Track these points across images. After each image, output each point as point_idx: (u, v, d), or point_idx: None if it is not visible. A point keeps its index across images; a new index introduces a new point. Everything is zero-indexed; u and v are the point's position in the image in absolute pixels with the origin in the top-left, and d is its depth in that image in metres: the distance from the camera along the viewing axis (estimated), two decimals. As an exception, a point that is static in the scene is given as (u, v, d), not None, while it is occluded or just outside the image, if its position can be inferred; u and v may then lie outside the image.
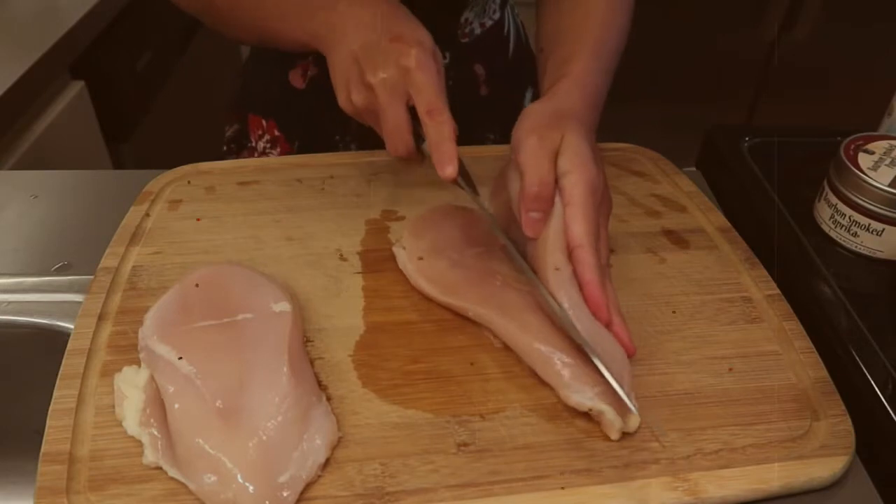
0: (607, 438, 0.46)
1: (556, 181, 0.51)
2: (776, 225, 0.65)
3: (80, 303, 0.54)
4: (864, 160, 0.60)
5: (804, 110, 1.87)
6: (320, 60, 0.74)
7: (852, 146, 0.61)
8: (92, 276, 0.56)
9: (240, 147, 0.86)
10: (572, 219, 0.50)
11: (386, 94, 0.53)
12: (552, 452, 0.45)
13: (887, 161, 0.60)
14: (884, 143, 0.62)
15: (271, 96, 0.80)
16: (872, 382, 0.50)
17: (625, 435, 0.46)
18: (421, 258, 0.57)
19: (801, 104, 1.86)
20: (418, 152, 0.57)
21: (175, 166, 0.68)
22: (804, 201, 0.66)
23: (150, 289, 0.55)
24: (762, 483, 0.44)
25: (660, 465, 0.44)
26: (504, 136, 0.68)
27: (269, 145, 0.82)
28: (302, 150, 0.81)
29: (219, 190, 0.65)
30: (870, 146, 0.61)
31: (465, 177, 0.55)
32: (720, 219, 0.64)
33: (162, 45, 1.43)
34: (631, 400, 0.44)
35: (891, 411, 0.48)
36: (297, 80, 0.78)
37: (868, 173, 0.59)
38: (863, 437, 0.47)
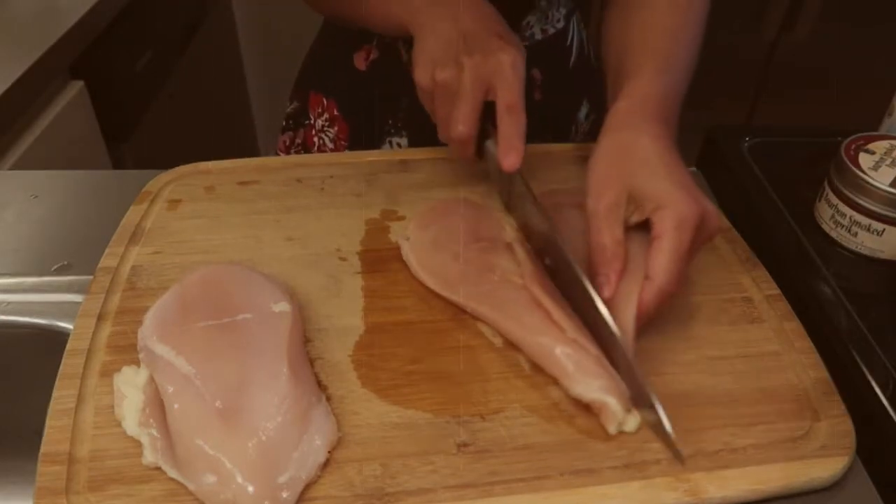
0: (608, 439, 0.46)
1: (642, 222, 0.51)
2: (776, 225, 0.65)
3: (79, 303, 0.54)
4: (864, 160, 0.60)
5: (804, 110, 1.87)
6: (383, 45, 0.76)
7: (853, 146, 0.61)
8: (91, 276, 0.56)
9: (297, 124, 0.88)
10: (657, 251, 0.49)
11: (474, 77, 0.54)
12: (552, 453, 0.45)
13: (888, 161, 0.60)
14: (884, 143, 0.62)
15: (334, 76, 0.82)
16: (872, 382, 0.50)
17: (624, 434, 0.46)
18: (424, 250, 0.57)
19: (801, 104, 1.86)
20: (476, 147, 0.58)
21: (175, 166, 0.68)
22: (804, 201, 0.66)
23: (150, 289, 0.55)
24: (763, 483, 0.44)
25: (660, 465, 0.44)
26: (553, 143, 0.72)
27: (327, 123, 0.84)
28: (356, 131, 0.82)
29: (218, 190, 0.65)
30: (870, 146, 0.61)
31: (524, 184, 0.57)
32: (720, 219, 0.64)
33: (162, 45, 1.43)
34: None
35: (891, 411, 0.48)
36: (360, 62, 0.79)
37: (869, 173, 0.58)
38: (863, 437, 0.46)
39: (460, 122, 0.55)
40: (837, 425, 0.47)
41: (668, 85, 0.58)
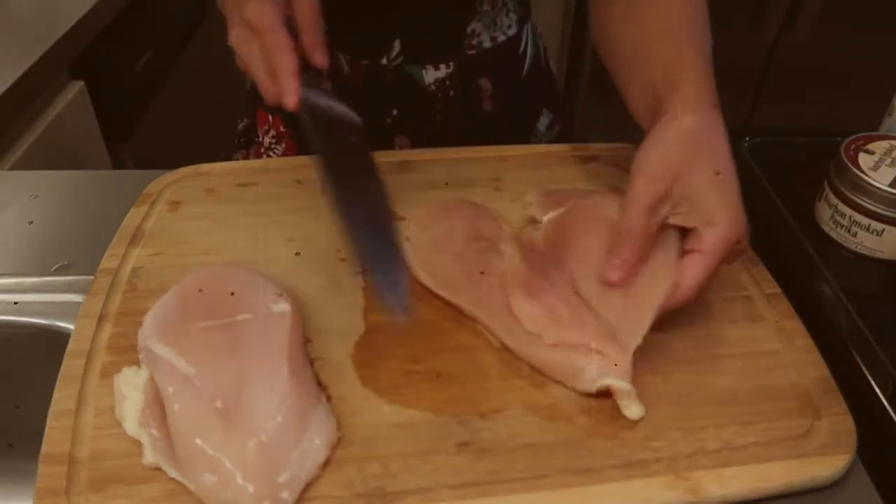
0: (608, 438, 0.46)
1: (683, 228, 0.51)
2: (776, 225, 0.65)
3: (79, 303, 0.54)
4: (864, 160, 0.60)
5: (804, 110, 1.87)
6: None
7: (852, 146, 0.61)
8: (92, 277, 0.56)
9: (249, 142, 0.87)
10: (694, 264, 0.49)
11: (242, 50, 0.54)
12: (553, 452, 0.45)
13: (888, 161, 0.60)
14: (884, 144, 0.62)
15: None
16: (872, 382, 0.50)
17: (624, 433, 0.46)
18: (424, 250, 0.57)
19: (801, 104, 1.86)
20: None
21: (175, 166, 0.68)
22: (804, 201, 0.66)
23: (150, 290, 0.55)
24: (763, 482, 0.44)
25: (661, 464, 0.44)
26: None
27: (274, 140, 0.82)
28: (303, 148, 0.80)
29: (218, 191, 0.65)
30: (870, 146, 0.61)
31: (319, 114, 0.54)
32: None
33: (162, 45, 1.43)
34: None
35: (891, 411, 0.48)
36: None
37: (868, 173, 0.59)
38: (863, 436, 0.46)
39: (263, 89, 0.53)
40: (838, 423, 0.47)
41: (710, 68, 0.56)
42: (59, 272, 0.60)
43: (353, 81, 0.75)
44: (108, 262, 0.57)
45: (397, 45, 0.73)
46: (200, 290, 0.51)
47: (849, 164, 0.60)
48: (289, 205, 0.64)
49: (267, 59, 0.52)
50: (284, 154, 0.82)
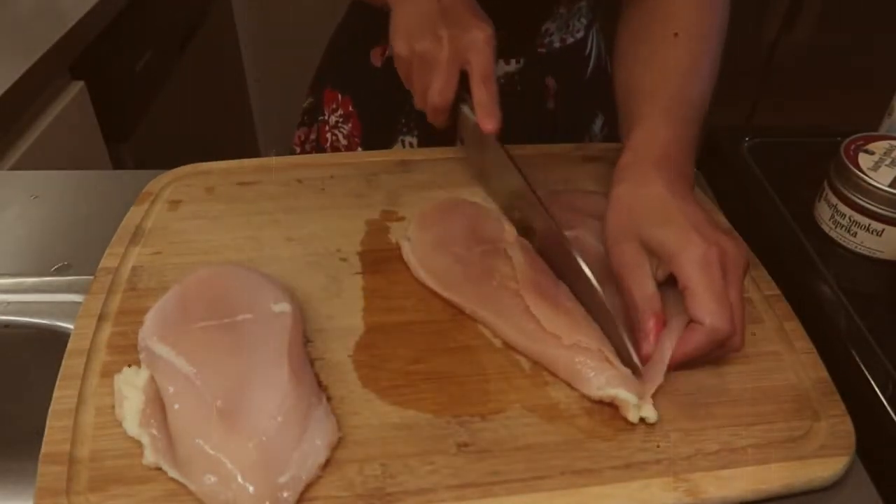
0: (608, 439, 0.46)
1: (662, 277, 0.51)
2: (776, 225, 0.65)
3: (79, 303, 0.54)
4: (864, 160, 0.60)
5: (804, 110, 1.87)
6: None
7: (852, 146, 0.61)
8: (92, 277, 0.56)
9: (312, 120, 0.88)
10: (691, 298, 0.47)
11: (451, 49, 0.56)
12: (552, 453, 0.45)
13: (887, 161, 0.60)
14: (884, 144, 0.62)
15: (350, 73, 0.82)
16: (872, 382, 0.50)
17: (624, 434, 0.46)
18: (425, 250, 0.57)
19: (801, 104, 1.86)
20: (453, 114, 0.59)
21: (175, 166, 0.68)
22: (804, 201, 0.66)
23: (150, 289, 0.55)
24: (763, 483, 0.44)
25: (660, 465, 0.44)
26: None
27: (341, 120, 0.84)
28: (369, 129, 0.83)
29: (219, 190, 0.65)
30: (870, 146, 0.61)
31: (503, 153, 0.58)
32: (720, 219, 0.64)
33: (162, 45, 1.43)
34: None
35: (891, 411, 0.48)
36: (376, 58, 0.80)
37: (868, 173, 0.59)
38: (863, 437, 0.47)
39: (437, 93, 0.57)
40: (837, 425, 0.47)
41: (678, 129, 0.56)
42: (59, 272, 0.60)
43: None
44: (108, 261, 0.57)
45: None
46: (201, 290, 0.51)
47: (849, 164, 0.60)
48: (289, 204, 0.64)
49: (476, 84, 0.56)
50: (350, 134, 0.84)
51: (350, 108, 0.83)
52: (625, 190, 0.54)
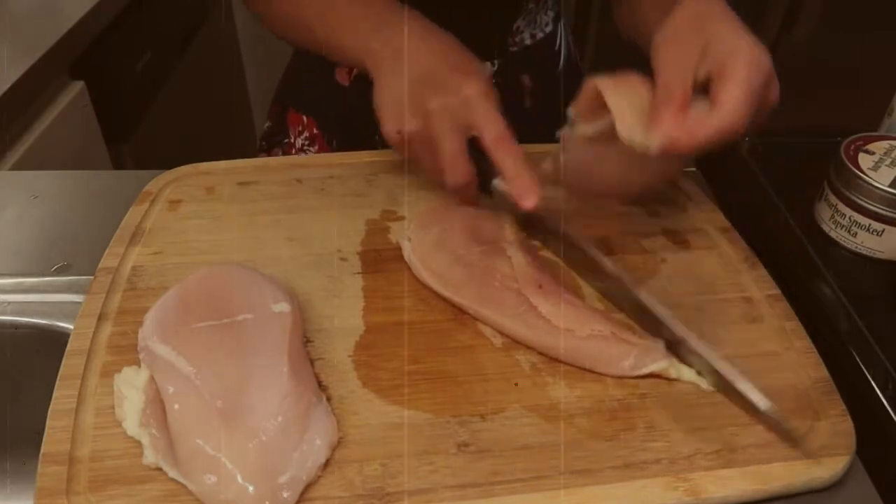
0: (607, 439, 0.46)
1: (709, 77, 0.48)
2: (776, 225, 0.65)
3: (79, 303, 0.54)
4: (864, 160, 0.60)
5: (804, 110, 1.87)
6: None
7: (852, 146, 0.61)
8: (92, 277, 0.56)
9: (273, 144, 0.85)
10: (724, 80, 0.46)
11: (445, 122, 0.52)
12: (552, 452, 0.45)
13: (887, 161, 0.60)
14: (884, 144, 0.62)
15: (315, 93, 0.80)
16: (872, 382, 0.50)
17: (624, 434, 0.46)
18: (426, 250, 0.57)
19: (801, 104, 1.86)
20: (479, 189, 0.56)
21: (175, 166, 0.68)
22: (804, 201, 0.66)
23: (150, 289, 0.55)
24: (763, 483, 0.44)
25: (660, 465, 0.44)
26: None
27: (307, 142, 0.82)
28: (341, 149, 0.80)
29: (219, 190, 0.65)
30: (870, 146, 0.61)
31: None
32: (720, 219, 0.64)
33: (162, 45, 1.43)
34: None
35: (891, 411, 0.48)
36: (342, 77, 0.78)
37: (868, 174, 0.59)
38: (863, 437, 0.46)
39: (450, 172, 0.53)
40: (838, 425, 0.47)
41: None
42: (59, 272, 0.60)
43: None
44: (107, 261, 0.57)
45: None
46: (201, 290, 0.51)
47: (849, 164, 0.60)
48: (289, 204, 0.64)
49: (493, 151, 0.52)
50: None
51: (315, 131, 0.81)
52: (695, 7, 0.52)
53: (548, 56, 0.80)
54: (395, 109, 0.55)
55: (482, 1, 0.71)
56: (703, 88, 0.49)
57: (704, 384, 0.49)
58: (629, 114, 0.49)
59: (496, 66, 0.76)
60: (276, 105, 0.85)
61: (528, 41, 0.77)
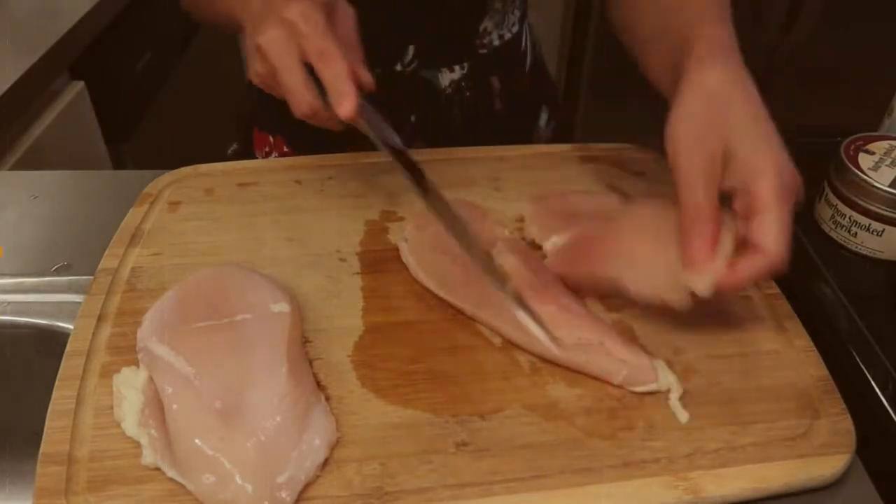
0: (607, 438, 0.46)
1: (732, 191, 0.47)
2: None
3: (79, 303, 0.54)
4: (864, 160, 0.60)
5: (804, 110, 1.87)
6: None
7: (852, 146, 0.61)
8: (91, 277, 0.56)
9: None
10: (768, 223, 0.45)
11: (275, 53, 0.51)
12: (552, 452, 0.45)
13: (888, 161, 0.60)
14: (884, 144, 0.62)
15: (280, 111, 0.78)
16: (872, 382, 0.50)
17: (624, 433, 0.46)
18: (423, 251, 0.57)
19: (801, 104, 1.86)
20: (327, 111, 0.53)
21: (175, 167, 0.68)
22: (804, 201, 0.66)
23: (150, 290, 0.55)
24: (762, 482, 0.44)
25: (660, 464, 0.44)
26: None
27: None
28: None
29: (218, 191, 0.65)
30: (870, 146, 0.61)
31: (374, 125, 0.53)
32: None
33: (162, 45, 1.43)
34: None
35: (891, 411, 0.48)
36: None
37: (868, 174, 0.58)
38: (863, 436, 0.46)
39: (294, 105, 0.52)
40: (837, 423, 0.47)
41: (731, 29, 0.54)
42: (59, 272, 0.60)
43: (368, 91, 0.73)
44: (107, 262, 0.57)
45: (411, 50, 0.72)
46: (200, 291, 0.51)
47: (849, 164, 0.59)
48: (288, 205, 0.64)
49: (315, 66, 0.50)
50: None
51: (285, 149, 0.79)
52: (708, 87, 0.49)
53: (515, 57, 0.79)
54: (249, 55, 0.54)
55: (446, 5, 0.70)
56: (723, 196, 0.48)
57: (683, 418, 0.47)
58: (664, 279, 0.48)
59: (465, 70, 0.75)
60: (240, 126, 0.83)
61: (496, 42, 0.76)
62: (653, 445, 0.45)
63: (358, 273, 0.57)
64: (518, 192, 0.66)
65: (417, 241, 0.58)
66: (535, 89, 0.83)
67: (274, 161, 0.71)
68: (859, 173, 0.59)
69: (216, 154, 0.83)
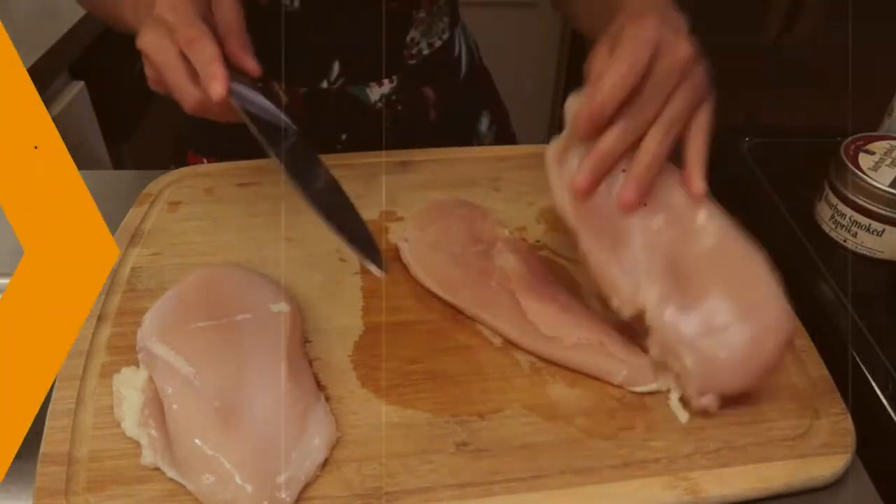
0: (607, 437, 0.46)
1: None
2: (776, 225, 0.65)
3: (79, 303, 0.54)
4: (864, 160, 0.60)
5: (804, 110, 1.87)
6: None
7: (852, 146, 0.61)
8: (91, 277, 0.56)
9: None
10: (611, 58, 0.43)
11: (154, 52, 0.50)
12: (552, 452, 0.45)
13: (887, 161, 0.60)
14: (884, 144, 0.62)
15: (215, 132, 0.70)
16: (872, 382, 0.50)
17: (623, 433, 0.46)
18: (422, 251, 0.57)
19: (802, 104, 1.86)
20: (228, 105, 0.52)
21: (174, 167, 0.68)
22: (804, 201, 0.66)
23: (149, 290, 0.55)
24: (762, 482, 0.44)
25: (660, 464, 0.44)
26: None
27: None
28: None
29: (218, 191, 0.65)
30: (870, 146, 0.61)
31: (254, 113, 0.51)
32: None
33: (162, 46, 1.43)
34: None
35: (891, 411, 0.48)
36: None
37: (868, 174, 0.58)
38: (863, 436, 0.46)
39: (181, 101, 0.51)
40: (837, 423, 0.47)
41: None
42: (58, 272, 0.60)
43: (294, 111, 0.70)
44: (107, 262, 0.57)
45: (336, 66, 0.70)
46: (199, 291, 0.51)
47: (849, 164, 0.59)
48: (288, 205, 0.64)
49: (187, 55, 0.49)
50: None
51: None
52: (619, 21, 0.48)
53: (448, 64, 0.77)
54: (143, 15, 0.53)
55: (370, 18, 0.68)
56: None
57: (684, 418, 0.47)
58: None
59: (395, 83, 0.73)
60: (175, 152, 0.80)
61: (426, 51, 0.74)
62: (653, 445, 0.45)
63: (358, 273, 0.57)
64: (518, 192, 0.66)
65: (417, 241, 0.58)
66: (472, 94, 0.81)
67: (274, 161, 0.71)
68: (859, 173, 0.59)
69: (216, 154, 0.83)
